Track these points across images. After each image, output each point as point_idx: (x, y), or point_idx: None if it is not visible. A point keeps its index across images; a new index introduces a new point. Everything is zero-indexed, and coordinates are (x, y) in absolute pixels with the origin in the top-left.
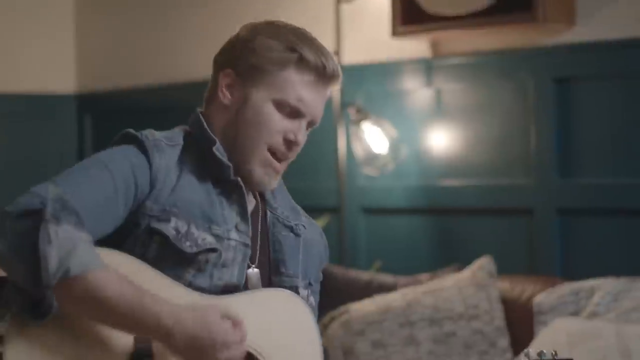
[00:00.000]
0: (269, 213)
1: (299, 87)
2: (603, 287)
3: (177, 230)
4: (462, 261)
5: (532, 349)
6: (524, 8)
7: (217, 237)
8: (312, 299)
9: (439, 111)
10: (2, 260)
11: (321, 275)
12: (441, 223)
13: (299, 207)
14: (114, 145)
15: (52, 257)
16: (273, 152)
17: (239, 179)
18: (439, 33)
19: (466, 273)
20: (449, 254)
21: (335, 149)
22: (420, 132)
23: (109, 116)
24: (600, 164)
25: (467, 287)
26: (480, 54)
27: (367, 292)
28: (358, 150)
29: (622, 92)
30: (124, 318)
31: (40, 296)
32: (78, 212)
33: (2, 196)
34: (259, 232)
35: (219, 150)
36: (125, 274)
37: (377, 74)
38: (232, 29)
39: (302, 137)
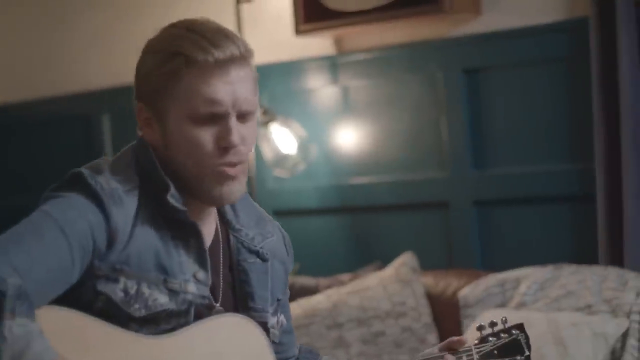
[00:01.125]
0: (232, 238)
1: (202, 89)
2: (529, 276)
3: (126, 292)
4: (380, 259)
5: (486, 322)
6: (430, 0)
7: (172, 292)
8: (282, 317)
9: (347, 108)
10: None
11: (288, 282)
12: (356, 222)
13: (264, 215)
14: (63, 188)
15: (6, 356)
16: (219, 165)
17: (196, 223)
18: (343, 29)
19: (389, 270)
20: (366, 253)
21: None
22: (328, 130)
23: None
24: (514, 154)
25: (392, 285)
26: (386, 49)
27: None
28: (267, 152)
29: (531, 80)
30: None
31: None
32: (30, 297)
33: None
34: (221, 266)
35: (173, 196)
36: (72, 332)
37: (281, 73)
38: (126, 36)
39: (236, 137)
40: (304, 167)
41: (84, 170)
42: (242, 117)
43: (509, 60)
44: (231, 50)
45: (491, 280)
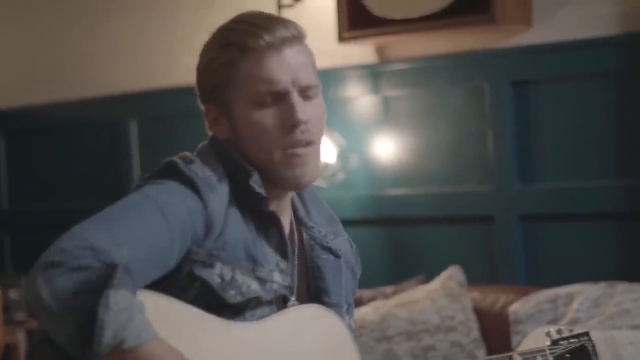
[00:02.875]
0: (305, 235)
1: (259, 71)
2: (581, 293)
3: (222, 278)
4: (419, 272)
5: (552, 329)
6: (482, 10)
7: (261, 280)
8: (352, 322)
9: (388, 118)
10: (48, 315)
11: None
12: (394, 233)
13: (334, 215)
14: (158, 177)
15: (109, 326)
16: (289, 147)
17: (276, 212)
18: (387, 37)
19: (436, 284)
20: (404, 265)
21: None
22: (368, 140)
23: (23, 133)
24: (561, 168)
25: (440, 299)
26: (431, 58)
27: None
28: None
29: (580, 94)
30: None
31: None
32: (134, 274)
33: None
34: (296, 260)
35: (256, 182)
36: (165, 316)
37: (322, 81)
38: (155, 40)
39: (301, 114)
40: (343, 176)
41: (177, 160)
42: (305, 94)
43: (558, 74)
44: (281, 32)
45: (542, 296)
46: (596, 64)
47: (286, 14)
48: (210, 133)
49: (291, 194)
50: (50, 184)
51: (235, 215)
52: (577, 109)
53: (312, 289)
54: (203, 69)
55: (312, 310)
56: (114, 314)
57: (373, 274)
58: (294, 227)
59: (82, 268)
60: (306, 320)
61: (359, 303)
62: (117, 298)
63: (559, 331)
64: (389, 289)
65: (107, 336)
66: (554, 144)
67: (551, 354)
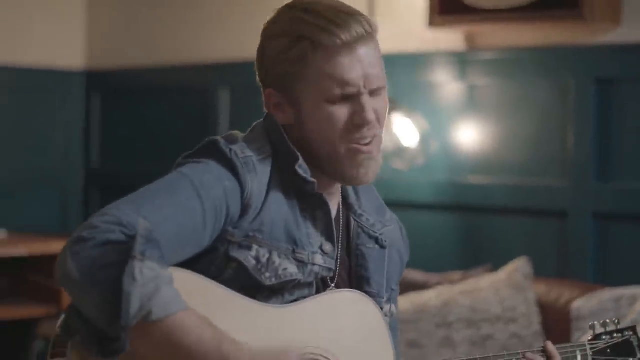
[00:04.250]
0: (352, 222)
1: (333, 71)
2: None
3: (258, 260)
4: (491, 261)
5: (597, 322)
6: (571, 5)
7: (300, 262)
8: (393, 306)
9: (472, 106)
10: (76, 289)
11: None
12: (469, 221)
13: (384, 204)
14: (199, 155)
15: (135, 297)
16: (353, 143)
17: (323, 194)
18: (476, 25)
19: (502, 274)
20: (477, 253)
21: None
22: (451, 126)
23: (117, 94)
24: (638, 168)
25: (504, 289)
26: (518, 50)
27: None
28: (387, 143)
29: None
30: None
31: (113, 335)
32: (162, 246)
33: (3, 170)
34: (339, 245)
35: (301, 167)
36: (198, 295)
37: (409, 64)
38: (249, 10)
39: (370, 114)
40: (423, 160)
41: (219, 139)
42: (374, 92)
43: None
44: (356, 29)
45: (606, 294)
46: None
47: None
48: (266, 110)
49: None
50: (140, 146)
51: (277, 195)
52: None
53: (354, 277)
54: (270, 57)
55: (347, 295)
56: (140, 285)
57: (443, 259)
58: (342, 212)
59: (110, 242)
60: (340, 304)
61: (424, 287)
62: (142, 270)
63: (603, 324)
64: (456, 275)
65: (134, 308)
66: (634, 143)
67: (591, 349)
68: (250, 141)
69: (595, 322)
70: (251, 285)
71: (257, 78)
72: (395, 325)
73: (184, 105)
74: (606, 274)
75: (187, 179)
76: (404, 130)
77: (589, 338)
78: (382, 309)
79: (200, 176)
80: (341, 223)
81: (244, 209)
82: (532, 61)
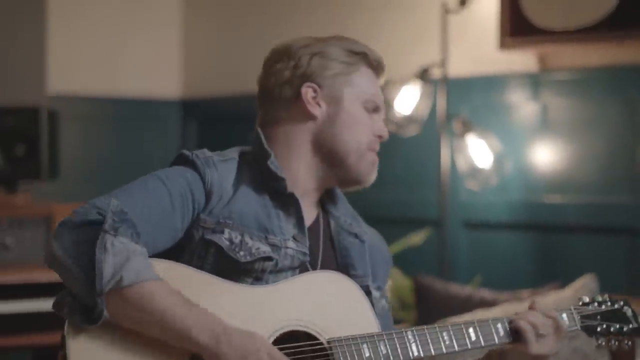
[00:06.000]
0: (332, 222)
1: (371, 84)
2: None
3: (231, 241)
4: (562, 279)
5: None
6: (636, 24)
7: (274, 246)
8: (384, 301)
9: (545, 126)
10: (58, 265)
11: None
12: (542, 239)
13: (357, 215)
14: (169, 166)
15: (108, 265)
16: (371, 149)
17: (294, 193)
18: (546, 47)
19: (569, 291)
20: (549, 271)
21: (438, 162)
22: (524, 146)
23: (213, 122)
24: None
25: (569, 306)
26: (589, 70)
27: (467, 306)
28: (461, 164)
29: None
30: (171, 331)
31: (92, 303)
32: (135, 225)
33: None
34: (321, 242)
35: (273, 163)
36: (182, 281)
37: (483, 86)
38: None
39: (387, 131)
40: (497, 181)
41: (184, 150)
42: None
43: None
44: (379, 56)
45: None
46: None
47: (451, 19)
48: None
49: (321, 192)
50: None
51: (245, 193)
52: None
53: (340, 266)
54: (327, 56)
55: (326, 274)
56: (111, 254)
57: (516, 278)
58: (320, 215)
59: (87, 222)
60: (320, 282)
61: (493, 304)
62: (113, 242)
63: (592, 299)
64: (525, 293)
65: (107, 274)
66: None
67: (578, 312)
68: (217, 151)
69: (584, 296)
70: (232, 269)
71: (286, 75)
72: (388, 321)
73: None
74: None
75: (153, 175)
76: (478, 151)
77: (577, 304)
78: (370, 291)
79: (165, 172)
80: (322, 225)
81: (208, 195)
82: (602, 80)
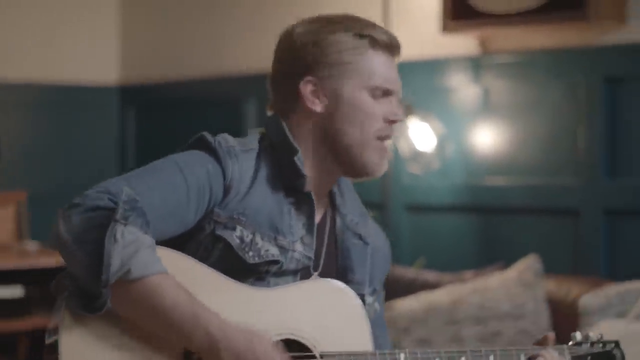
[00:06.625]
0: (338, 220)
1: (382, 67)
2: None
3: (242, 240)
4: (506, 260)
5: (579, 333)
6: (576, 6)
7: (282, 248)
8: (377, 304)
9: (486, 109)
10: (64, 249)
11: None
12: (485, 222)
13: (366, 213)
14: (188, 148)
15: (116, 256)
16: (380, 137)
17: (312, 192)
18: (488, 30)
19: (512, 272)
20: (492, 253)
21: None
22: (466, 130)
23: (152, 108)
24: None
25: (513, 287)
26: (530, 53)
27: (411, 289)
28: (403, 147)
29: None
30: (174, 327)
31: (97, 292)
32: (146, 215)
33: (42, 185)
34: (325, 241)
35: (299, 159)
36: (183, 273)
37: (424, 70)
38: (277, 23)
39: (401, 113)
40: (439, 164)
41: (205, 133)
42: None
43: None
44: (392, 36)
45: (613, 289)
46: None
47: (393, 2)
48: (269, 113)
49: (333, 183)
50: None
51: (262, 186)
52: None
53: (339, 267)
54: (324, 45)
55: (329, 283)
56: (120, 245)
57: (459, 260)
58: (328, 212)
59: (98, 208)
60: (321, 291)
61: (437, 286)
62: (124, 232)
63: (586, 336)
64: (468, 274)
65: (114, 266)
66: None
67: (570, 352)
68: (238, 138)
69: (577, 334)
70: (237, 267)
71: (282, 71)
72: (381, 321)
73: (213, 116)
74: (618, 270)
75: (172, 161)
76: (420, 135)
77: (570, 343)
78: (365, 299)
79: (184, 158)
80: (329, 222)
81: (226, 190)
82: (543, 63)
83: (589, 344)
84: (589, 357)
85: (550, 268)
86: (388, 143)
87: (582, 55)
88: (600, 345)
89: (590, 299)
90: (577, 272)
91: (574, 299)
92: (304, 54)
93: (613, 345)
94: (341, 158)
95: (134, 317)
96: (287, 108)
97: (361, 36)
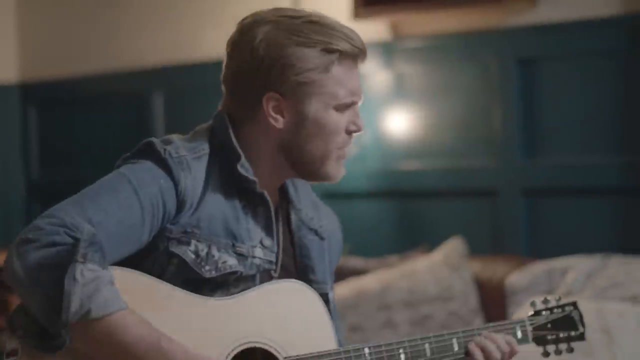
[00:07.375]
0: (293, 215)
1: (347, 81)
2: (576, 265)
3: (197, 254)
4: (429, 243)
5: (538, 299)
6: None
7: (240, 256)
8: (331, 294)
9: (400, 94)
10: (21, 287)
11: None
12: (405, 206)
13: (318, 200)
14: (136, 157)
15: (76, 296)
16: (341, 148)
17: (265, 192)
18: (399, 15)
19: (438, 255)
20: (414, 236)
21: None
22: (380, 115)
23: (54, 105)
24: (565, 144)
25: (440, 269)
26: (442, 36)
27: (339, 275)
28: None
29: (585, 72)
30: None
31: (55, 331)
32: (103, 247)
33: None
34: (281, 238)
35: (243, 166)
36: (139, 292)
37: None
38: (181, 14)
39: (362, 124)
40: (355, 150)
41: (155, 140)
42: None
43: (564, 52)
44: (359, 43)
45: (538, 267)
46: (600, 42)
47: None
48: (219, 107)
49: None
50: (79, 155)
51: (214, 192)
52: (581, 87)
53: (299, 266)
54: (290, 62)
55: (289, 285)
56: (80, 285)
57: (381, 245)
58: (282, 207)
59: (54, 244)
60: (282, 294)
61: (364, 272)
62: (83, 271)
63: (544, 301)
64: (393, 259)
65: (74, 306)
66: (558, 120)
67: (531, 324)
68: (185, 142)
69: (536, 300)
70: (194, 279)
71: (249, 84)
72: (335, 310)
73: (119, 111)
74: (539, 248)
75: (125, 179)
76: None
77: (530, 314)
78: (327, 296)
79: (137, 176)
80: (282, 218)
81: (180, 205)
82: (456, 46)
83: (548, 311)
84: (549, 325)
85: (473, 249)
86: (347, 149)
87: (494, 38)
88: (560, 310)
89: (516, 278)
90: (498, 252)
91: (501, 278)
92: (268, 67)
93: (572, 307)
94: (300, 168)
95: (97, 355)
96: (244, 115)
97: (329, 52)
